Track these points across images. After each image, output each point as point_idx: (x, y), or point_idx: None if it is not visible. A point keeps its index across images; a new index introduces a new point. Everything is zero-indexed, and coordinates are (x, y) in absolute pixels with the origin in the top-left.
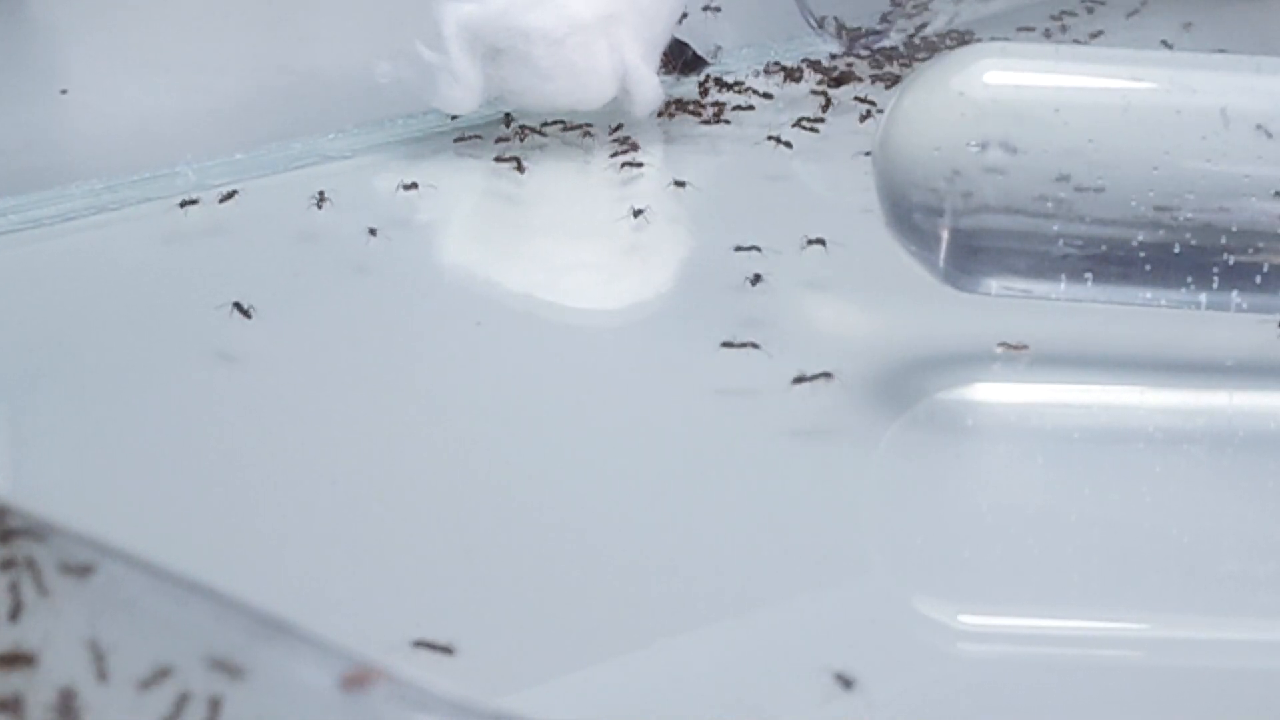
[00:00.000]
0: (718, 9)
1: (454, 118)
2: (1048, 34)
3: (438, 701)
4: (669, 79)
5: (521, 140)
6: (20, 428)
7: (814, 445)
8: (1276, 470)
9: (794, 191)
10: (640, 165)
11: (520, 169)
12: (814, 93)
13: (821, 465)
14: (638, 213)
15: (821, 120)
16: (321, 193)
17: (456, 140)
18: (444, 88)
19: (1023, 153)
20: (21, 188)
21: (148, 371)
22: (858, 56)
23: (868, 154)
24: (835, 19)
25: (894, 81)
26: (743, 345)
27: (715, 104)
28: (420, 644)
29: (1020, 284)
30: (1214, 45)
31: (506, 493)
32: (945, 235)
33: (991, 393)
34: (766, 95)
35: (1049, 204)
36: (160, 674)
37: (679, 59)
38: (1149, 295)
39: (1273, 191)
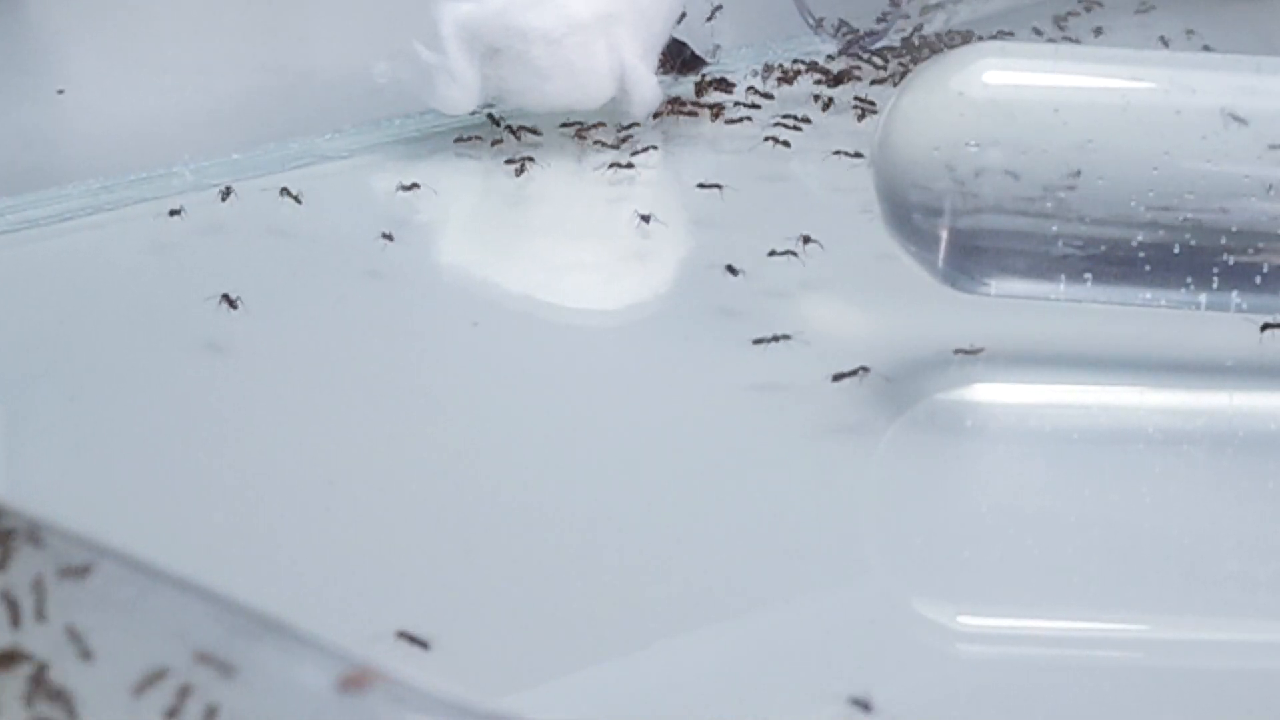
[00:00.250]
0: (719, 6)
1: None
2: (1039, 31)
3: (435, 702)
4: (667, 79)
5: (518, 139)
6: (17, 428)
7: (813, 446)
8: (1276, 471)
9: (792, 191)
10: (630, 167)
11: (520, 170)
12: (814, 94)
13: (821, 466)
14: (645, 218)
15: (807, 120)
16: (285, 188)
17: (456, 141)
18: (442, 88)
19: (1022, 153)
20: (18, 188)
21: (144, 372)
22: (856, 56)
23: (858, 155)
24: (836, 19)
25: (893, 81)
26: (774, 339)
27: (714, 106)
28: (402, 635)
29: (1020, 284)
30: (1216, 46)
31: (504, 492)
32: (944, 235)
33: (991, 393)
34: (766, 95)
35: (1048, 204)
36: (156, 675)
37: (677, 59)
38: (1148, 296)
39: (1273, 192)
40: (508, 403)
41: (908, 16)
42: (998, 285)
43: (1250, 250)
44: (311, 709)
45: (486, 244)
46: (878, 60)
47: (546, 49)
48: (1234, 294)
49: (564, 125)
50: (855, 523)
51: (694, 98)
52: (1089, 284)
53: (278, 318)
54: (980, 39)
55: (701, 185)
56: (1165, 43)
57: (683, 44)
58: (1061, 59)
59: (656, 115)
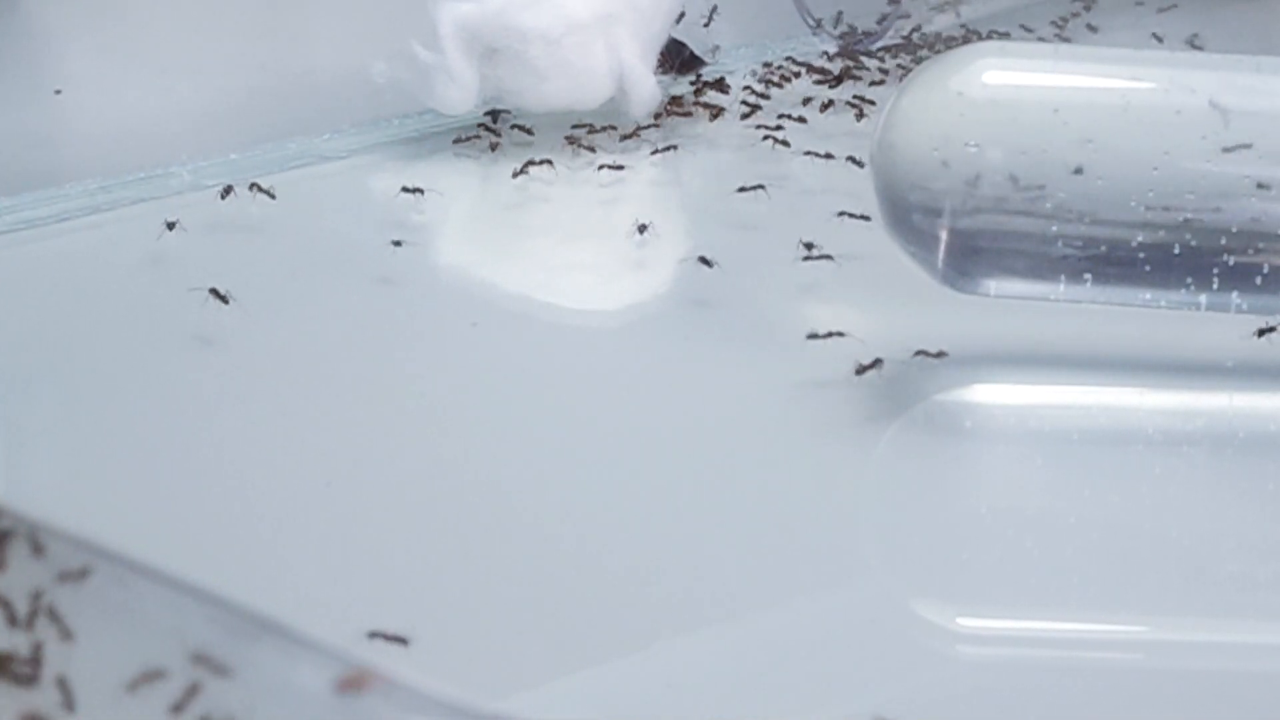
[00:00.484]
0: (714, 9)
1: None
2: (1028, 29)
3: (434, 704)
4: (666, 79)
5: (497, 135)
6: (14, 428)
7: (813, 447)
8: (1276, 472)
9: (791, 191)
10: (619, 169)
11: (521, 171)
12: (813, 95)
13: (820, 467)
14: (643, 229)
15: (804, 121)
16: (255, 184)
17: (455, 141)
18: (440, 88)
19: (1022, 153)
20: (16, 188)
21: (142, 372)
22: (855, 56)
23: (829, 155)
24: (835, 18)
25: (893, 81)
26: (828, 335)
27: (713, 107)
28: (375, 634)
29: (1019, 285)
30: (1216, 46)
31: (502, 494)
32: (944, 236)
33: (990, 394)
34: (764, 95)
35: (1048, 204)
36: (153, 676)
37: (676, 59)
38: (1148, 296)
39: (1273, 192)
40: (506, 403)
41: (908, 16)
42: (997, 286)
43: (1250, 250)
44: (309, 710)
45: (485, 244)
46: (877, 60)
47: (545, 49)
48: (1234, 294)
49: (575, 127)
50: (855, 523)
51: (693, 98)
52: (1089, 284)
53: (276, 318)
54: (981, 38)
55: (742, 189)
56: (1159, 39)
57: (681, 44)
58: (1061, 59)
59: (659, 116)
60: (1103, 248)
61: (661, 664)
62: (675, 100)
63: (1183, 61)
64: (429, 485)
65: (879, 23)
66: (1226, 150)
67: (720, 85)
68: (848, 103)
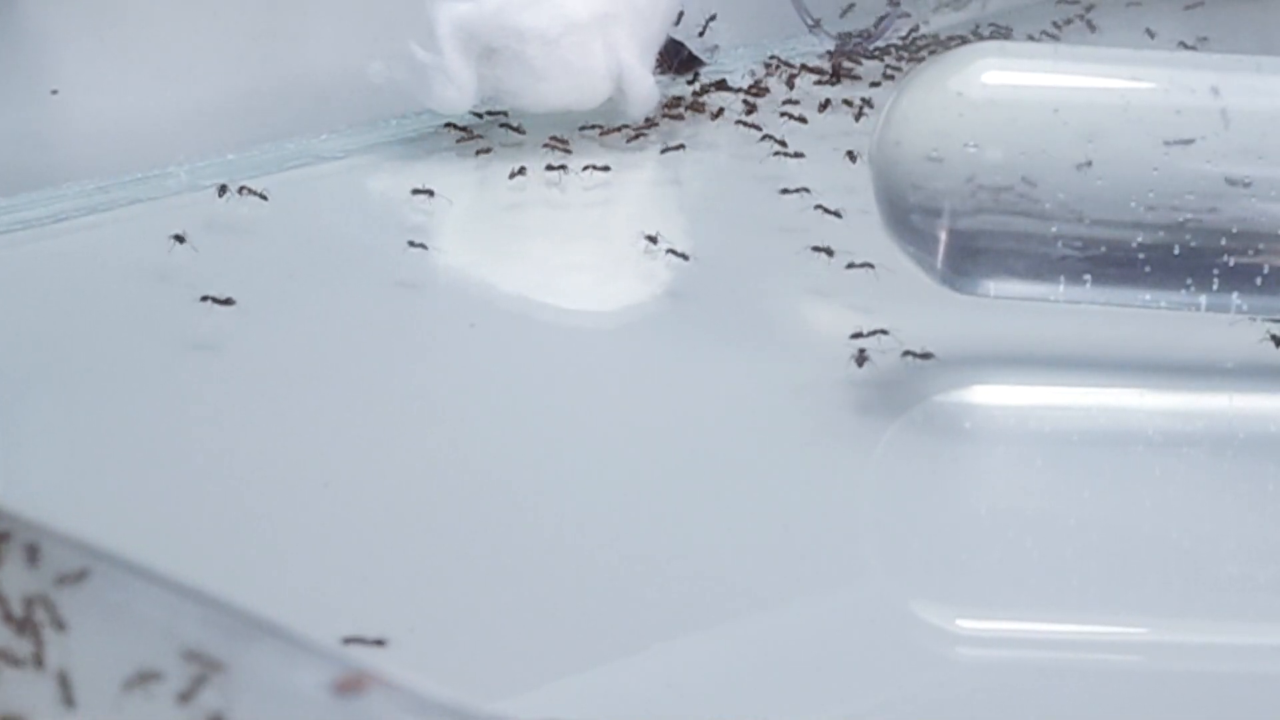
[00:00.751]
0: (712, 17)
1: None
2: (1029, 30)
3: (432, 706)
4: (665, 79)
5: (476, 135)
6: (10, 429)
7: (812, 448)
8: (1277, 473)
9: (790, 190)
10: (606, 169)
11: (518, 172)
12: (812, 94)
13: (819, 468)
14: (653, 239)
15: (804, 120)
16: (244, 186)
17: (459, 141)
18: (438, 88)
19: (1021, 153)
20: (12, 189)
21: (139, 373)
22: (854, 56)
23: (799, 155)
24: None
25: (891, 81)
26: (872, 334)
27: (709, 106)
28: (350, 640)
29: (1019, 285)
30: (1216, 46)
31: (501, 494)
32: (943, 236)
33: (990, 395)
34: (763, 93)
35: (1047, 205)
36: (150, 677)
37: (675, 58)
38: (1148, 297)
39: (1273, 192)
40: (505, 404)
41: (907, 15)
42: (996, 287)
43: (1251, 251)
44: (307, 712)
45: (483, 245)
46: (876, 60)
47: (543, 49)
48: (1234, 295)
49: (583, 128)
50: (854, 524)
51: (691, 98)
52: (1088, 285)
53: (273, 319)
54: (979, 39)
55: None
56: (1151, 35)
57: (680, 44)
58: (1061, 59)
59: (664, 117)
60: (1102, 248)
61: (661, 664)
62: (674, 100)
63: (1183, 61)
64: (427, 486)
65: (878, 23)
66: (1168, 144)
67: (720, 85)
68: (844, 100)
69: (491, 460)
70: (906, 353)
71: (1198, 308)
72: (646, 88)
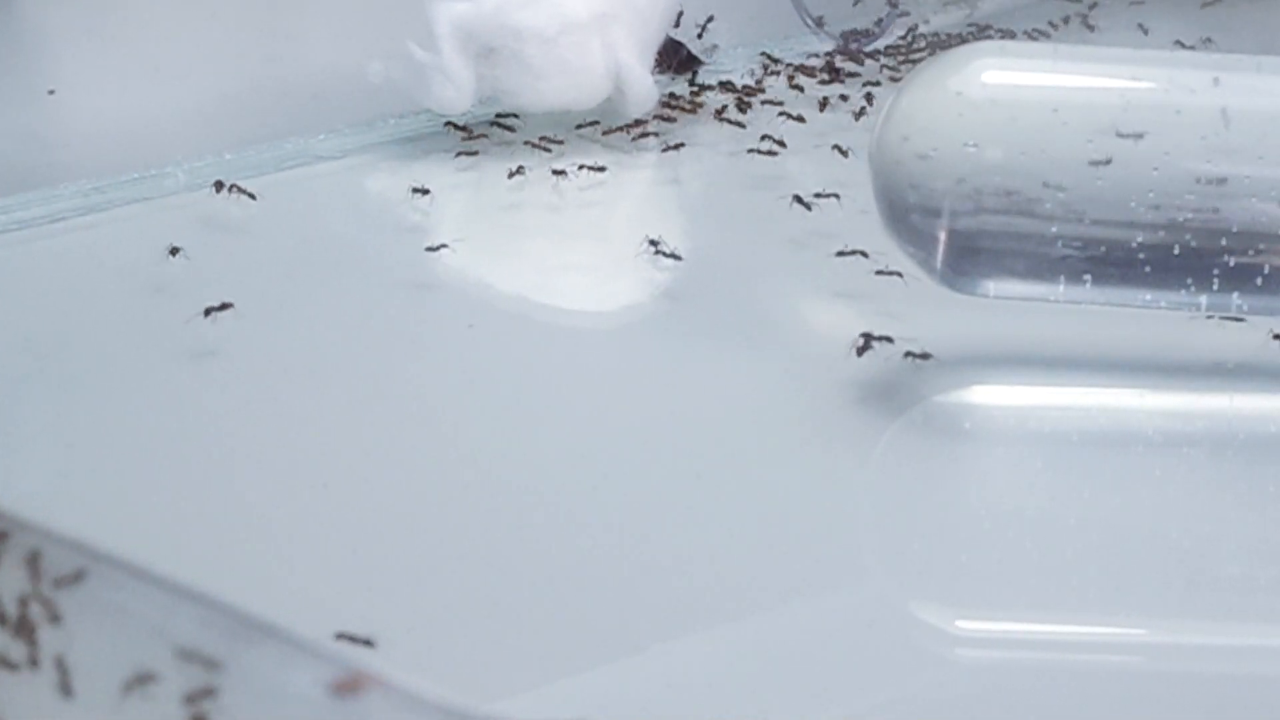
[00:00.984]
0: (710, 18)
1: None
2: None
3: (430, 707)
4: (664, 78)
5: (470, 132)
6: (7, 430)
7: (811, 448)
8: (1277, 474)
9: (789, 191)
10: (602, 170)
11: (517, 172)
12: (811, 93)
13: (818, 468)
14: (654, 243)
15: (803, 119)
16: (235, 184)
17: (462, 141)
18: (436, 87)
19: (1021, 153)
20: (9, 189)
21: (137, 373)
22: (854, 55)
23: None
24: (835, 17)
25: (891, 80)
26: (880, 339)
27: (707, 108)
28: (342, 636)
29: (1018, 286)
30: (1216, 46)
31: (500, 495)
32: (943, 236)
33: (989, 395)
34: (761, 92)
35: (1047, 205)
36: (147, 679)
37: (674, 58)
38: (1148, 297)
39: (1273, 192)
40: (504, 404)
41: (907, 14)
42: (996, 287)
43: (1251, 251)
44: (305, 712)
45: (482, 245)
46: (875, 60)
47: (541, 48)
48: (1234, 295)
49: (580, 127)
50: (853, 525)
51: (690, 97)
52: (1088, 285)
53: (271, 319)
54: (978, 38)
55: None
56: (1144, 30)
57: (679, 43)
58: (1061, 59)
59: (665, 117)
60: (1102, 248)
61: (661, 664)
62: (672, 100)
63: (1183, 61)
64: (426, 486)
65: (878, 22)
66: (1121, 135)
67: (720, 85)
68: (841, 96)
69: (490, 460)
70: (907, 353)
71: (1198, 308)
72: (645, 87)
